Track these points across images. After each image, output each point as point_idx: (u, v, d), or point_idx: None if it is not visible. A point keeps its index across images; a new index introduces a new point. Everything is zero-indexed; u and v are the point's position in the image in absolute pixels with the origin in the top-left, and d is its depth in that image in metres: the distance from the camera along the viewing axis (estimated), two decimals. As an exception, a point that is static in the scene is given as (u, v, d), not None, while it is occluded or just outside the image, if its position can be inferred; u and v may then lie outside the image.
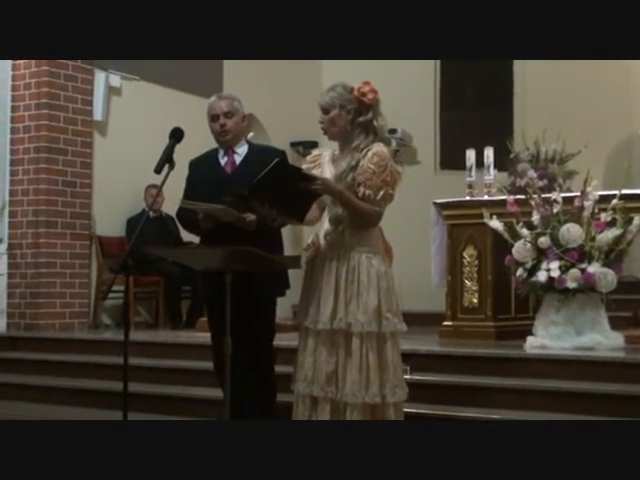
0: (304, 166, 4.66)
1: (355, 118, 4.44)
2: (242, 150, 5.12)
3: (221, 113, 5.03)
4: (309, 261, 4.56)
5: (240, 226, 4.74)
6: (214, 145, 5.21)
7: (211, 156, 5.17)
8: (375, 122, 4.45)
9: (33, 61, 8.61)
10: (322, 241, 4.50)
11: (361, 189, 4.34)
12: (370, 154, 4.36)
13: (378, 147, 4.39)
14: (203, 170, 5.12)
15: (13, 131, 8.82)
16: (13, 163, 8.81)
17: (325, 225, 4.51)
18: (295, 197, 4.29)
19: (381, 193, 4.33)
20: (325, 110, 4.47)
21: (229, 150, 5.09)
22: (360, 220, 4.40)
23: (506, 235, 6.51)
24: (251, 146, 5.19)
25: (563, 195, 6.50)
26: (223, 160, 5.10)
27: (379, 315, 4.36)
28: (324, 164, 4.55)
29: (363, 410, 4.33)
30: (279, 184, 4.23)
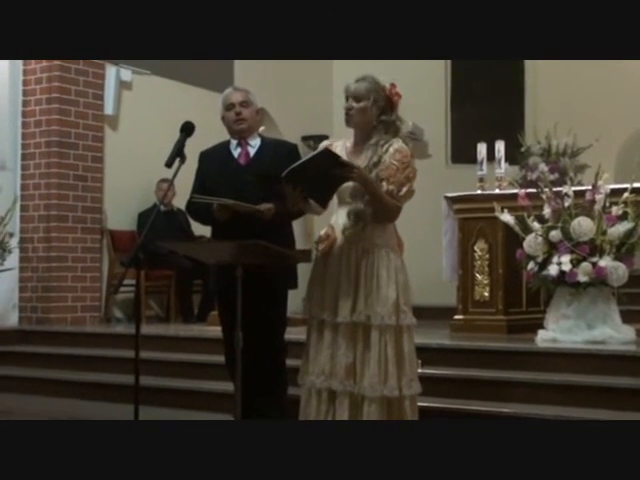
0: None
1: (380, 114, 4.47)
2: (255, 143, 5.12)
3: (237, 102, 5.05)
4: (323, 254, 4.56)
5: (257, 216, 4.75)
6: (225, 138, 5.22)
7: (223, 148, 5.17)
8: (398, 122, 4.50)
9: (44, 55, 8.64)
10: (338, 234, 4.50)
11: (384, 185, 4.36)
12: (392, 150, 4.39)
13: (398, 143, 4.43)
14: (215, 162, 5.12)
15: (24, 125, 8.85)
16: (24, 157, 8.84)
17: (340, 219, 4.50)
18: (324, 183, 4.33)
19: (404, 189, 4.37)
20: (357, 98, 4.46)
21: (242, 142, 5.10)
22: (382, 214, 4.42)
23: (517, 229, 6.50)
24: (264, 139, 5.20)
25: (574, 189, 6.48)
26: (236, 152, 5.10)
27: (397, 309, 4.38)
28: (336, 155, 4.56)
29: (380, 403, 4.34)
30: (315, 170, 4.27)
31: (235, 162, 5.07)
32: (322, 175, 4.27)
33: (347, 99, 4.51)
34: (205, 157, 5.21)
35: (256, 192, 4.76)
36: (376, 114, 4.46)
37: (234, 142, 5.12)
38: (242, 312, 4.37)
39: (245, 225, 4.72)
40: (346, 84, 4.54)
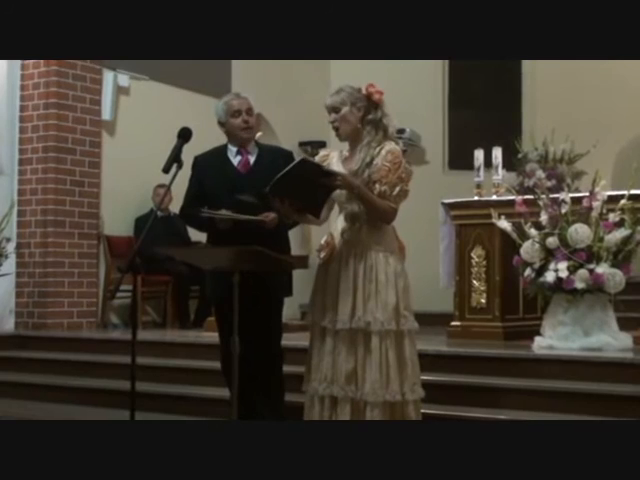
0: None
1: (365, 116, 4.51)
2: (254, 150, 5.12)
3: (244, 110, 5.04)
4: (325, 262, 4.57)
5: (261, 226, 4.75)
6: (221, 143, 5.20)
7: (220, 154, 5.14)
8: (384, 120, 4.52)
9: (42, 61, 8.63)
10: (337, 240, 4.52)
11: (377, 186, 4.40)
12: (384, 152, 4.43)
13: (390, 145, 4.47)
14: (213, 168, 5.10)
15: (22, 130, 8.84)
16: (21, 162, 8.83)
17: (339, 224, 4.54)
18: (312, 193, 4.34)
19: (397, 189, 4.41)
20: (336, 109, 4.51)
21: (242, 150, 5.09)
22: (376, 216, 4.45)
23: (514, 235, 6.50)
24: (260, 146, 5.20)
25: (571, 195, 6.48)
26: (236, 160, 5.09)
27: (397, 313, 4.41)
28: (332, 165, 4.57)
29: (383, 408, 4.36)
30: (299, 181, 4.29)
31: (235, 170, 5.06)
32: (309, 185, 4.30)
33: (330, 115, 4.56)
34: (201, 163, 5.17)
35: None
36: (359, 116, 4.51)
37: (233, 149, 5.10)
38: (240, 318, 4.37)
39: (241, 232, 4.72)
40: (324, 102, 4.58)
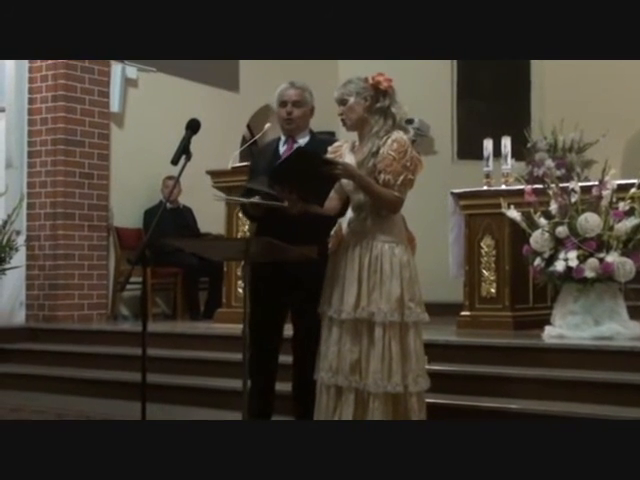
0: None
1: (372, 105, 4.51)
2: (304, 140, 5.11)
3: (290, 101, 5.05)
4: (332, 252, 4.58)
5: (284, 211, 4.72)
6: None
7: (272, 144, 5.22)
8: (393, 108, 4.51)
9: (50, 53, 8.64)
10: (345, 231, 4.53)
11: (381, 175, 4.40)
12: (390, 141, 4.42)
13: (397, 134, 4.45)
14: (265, 158, 5.13)
15: (30, 123, 8.85)
16: (31, 155, 8.85)
17: (349, 214, 4.54)
18: (315, 183, 4.35)
19: (401, 178, 4.38)
20: (343, 101, 4.54)
21: (290, 139, 5.10)
22: (380, 205, 4.44)
23: (524, 225, 6.49)
24: (313, 136, 5.19)
25: (581, 184, 6.47)
26: (283, 148, 5.11)
27: (402, 305, 4.39)
28: (345, 155, 4.59)
29: (385, 400, 4.35)
30: (300, 170, 4.29)
31: (279, 157, 5.07)
32: (310, 175, 4.30)
33: (339, 107, 4.58)
34: (258, 153, 5.30)
35: None
36: (366, 106, 4.51)
37: (283, 138, 5.14)
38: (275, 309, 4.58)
39: (286, 223, 4.62)
40: (333, 95, 4.60)
